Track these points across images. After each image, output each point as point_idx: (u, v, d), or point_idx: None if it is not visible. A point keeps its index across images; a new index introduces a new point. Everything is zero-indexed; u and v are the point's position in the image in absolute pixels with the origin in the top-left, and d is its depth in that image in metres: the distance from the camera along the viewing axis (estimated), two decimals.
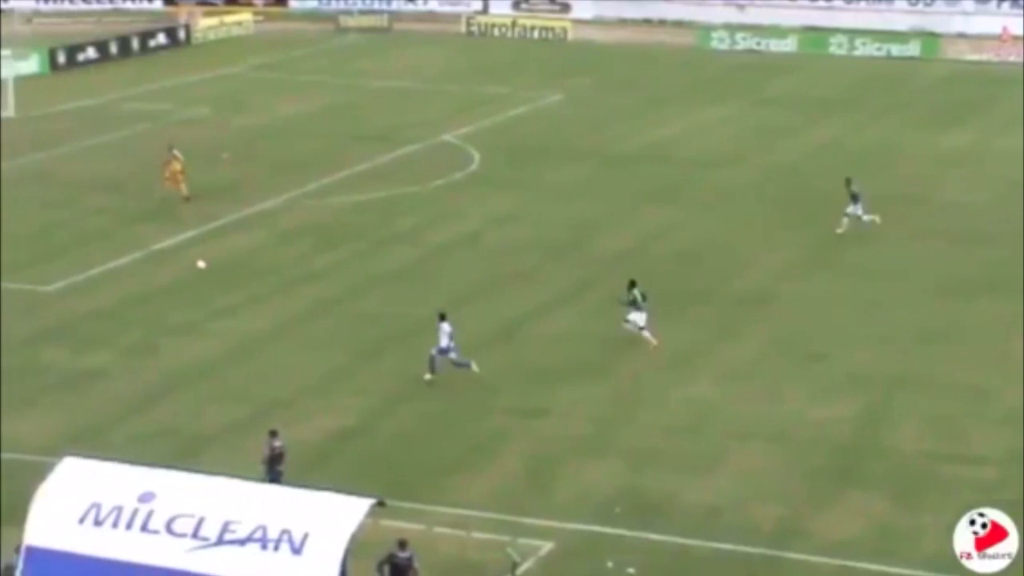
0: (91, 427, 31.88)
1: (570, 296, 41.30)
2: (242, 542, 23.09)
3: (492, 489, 29.63)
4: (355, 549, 22.95)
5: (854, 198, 46.19)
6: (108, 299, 40.25)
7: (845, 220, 46.30)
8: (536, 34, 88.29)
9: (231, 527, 23.19)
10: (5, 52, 67.10)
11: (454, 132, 61.16)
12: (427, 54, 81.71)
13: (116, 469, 24.60)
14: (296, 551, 22.93)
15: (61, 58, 75.16)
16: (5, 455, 30.18)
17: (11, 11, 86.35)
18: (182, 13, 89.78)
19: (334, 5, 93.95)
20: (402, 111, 65.77)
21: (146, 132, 59.72)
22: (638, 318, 36.81)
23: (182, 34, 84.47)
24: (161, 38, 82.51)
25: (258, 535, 23.08)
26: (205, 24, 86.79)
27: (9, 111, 61.88)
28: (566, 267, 43.91)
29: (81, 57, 76.30)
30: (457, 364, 35.00)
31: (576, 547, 27.31)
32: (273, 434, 28.75)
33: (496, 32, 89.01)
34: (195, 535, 23.16)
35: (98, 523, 23.35)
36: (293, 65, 77.96)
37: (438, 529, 27.11)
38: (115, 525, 23.32)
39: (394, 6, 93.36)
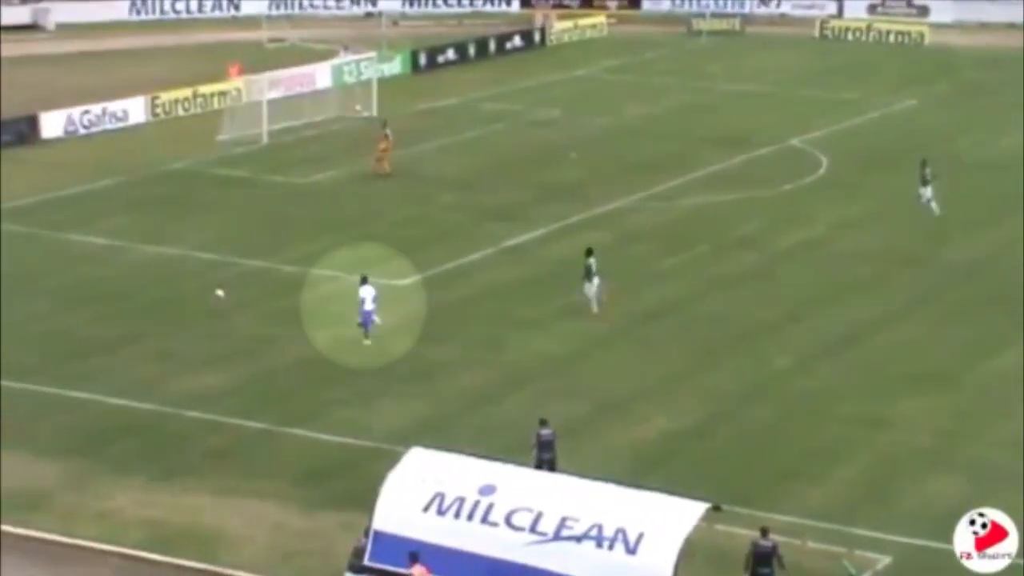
0: (437, 418, 32.92)
1: (917, 305, 40.39)
2: (578, 539, 23.49)
3: (829, 498, 29.27)
4: (688, 552, 23.05)
5: (924, 181, 47.90)
6: (459, 294, 41.43)
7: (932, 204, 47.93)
8: (892, 38, 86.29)
9: (568, 523, 23.62)
10: (371, 55, 69.83)
11: (803, 136, 60.46)
12: (779, 58, 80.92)
13: (460, 460, 25.38)
14: (631, 551, 23.20)
15: (422, 60, 77.59)
16: (357, 442, 31.52)
17: (379, 14, 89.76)
18: (538, 16, 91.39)
19: (686, 8, 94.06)
20: (751, 115, 65.40)
21: (500, 132, 61.10)
22: (588, 288, 38.66)
23: (537, 36, 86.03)
24: (517, 40, 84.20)
25: (594, 533, 23.45)
26: (560, 27, 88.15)
27: (372, 111, 64.34)
28: (914, 275, 42.93)
29: (441, 59, 78.55)
30: (367, 322, 36.79)
31: (915, 563, 26.74)
32: (543, 423, 29.21)
33: (850, 36, 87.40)
34: (533, 529, 23.68)
35: (441, 512, 24.14)
36: (644, 67, 78.42)
37: (773, 537, 26.91)
38: (457, 515, 24.06)
39: (747, 9, 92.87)
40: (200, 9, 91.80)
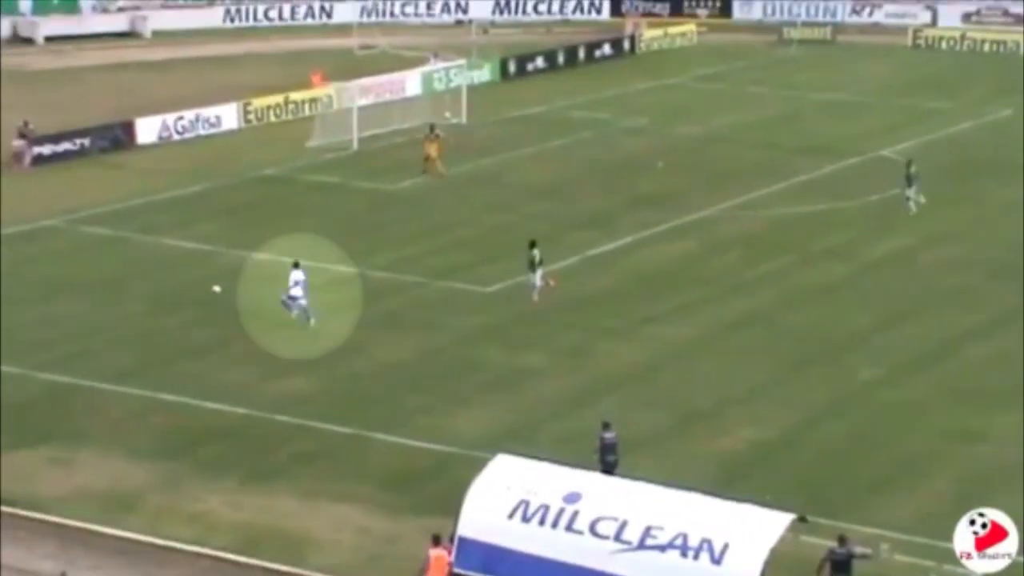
0: (522, 425, 33.04)
1: (1010, 317, 39.91)
2: (663, 548, 23.49)
3: (918, 512, 29.04)
4: (773, 563, 22.99)
5: (909, 180, 49.13)
6: (545, 301, 41.52)
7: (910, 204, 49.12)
8: (986, 47, 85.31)
9: (652, 532, 23.62)
10: (461, 62, 70.14)
11: (893, 147, 59.96)
12: (870, 67, 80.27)
13: (544, 468, 25.45)
14: (716, 561, 23.17)
15: (511, 67, 77.82)
16: (443, 448, 31.71)
17: (469, 21, 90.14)
18: (628, 24, 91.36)
19: (777, 17, 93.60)
20: (842, 124, 64.96)
21: (588, 140, 61.19)
22: (534, 278, 40.78)
23: (627, 44, 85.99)
24: (607, 48, 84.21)
25: (679, 542, 23.44)
26: (650, 35, 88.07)
27: (462, 118, 64.65)
28: (1008, 287, 42.43)
29: (530, 66, 78.73)
30: (287, 305, 38.25)
31: None
32: (605, 426, 29.30)
33: (943, 45, 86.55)
34: (618, 538, 23.71)
35: (526, 519, 24.23)
36: (734, 76, 78.14)
37: (854, 546, 26.75)
38: (542, 523, 24.15)
39: (839, 18, 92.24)
40: (293, 16, 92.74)
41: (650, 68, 79.84)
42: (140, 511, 28.90)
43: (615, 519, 23.90)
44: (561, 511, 24.12)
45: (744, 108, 69.00)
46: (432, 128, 56.61)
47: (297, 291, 38.75)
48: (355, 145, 59.50)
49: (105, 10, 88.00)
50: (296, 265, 39.18)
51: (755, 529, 23.52)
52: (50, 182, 53.75)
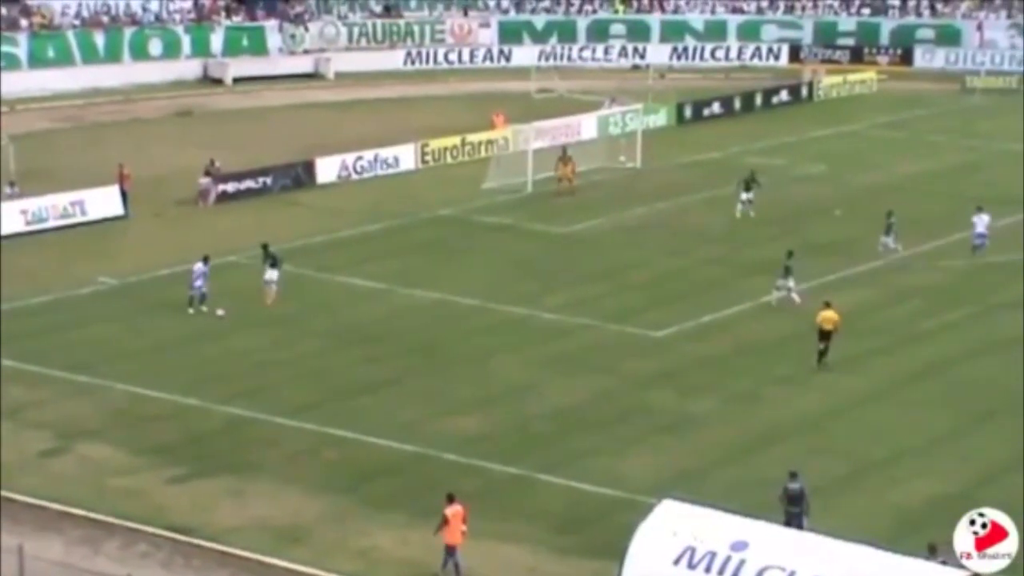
0: (691, 471, 32.80)
1: None
2: None
3: None
4: None
5: (887, 229, 50.66)
6: (717, 347, 41.27)
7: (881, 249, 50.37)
8: None
9: None
10: (637, 107, 70.28)
11: None
12: None
13: (712, 515, 25.18)
14: None
15: (687, 112, 77.72)
16: (610, 491, 31.62)
17: (646, 66, 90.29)
18: (807, 71, 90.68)
19: (960, 65, 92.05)
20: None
21: (764, 186, 60.72)
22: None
23: (805, 91, 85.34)
24: (784, 95, 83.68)
25: None
26: (828, 82, 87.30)
27: (637, 162, 64.68)
28: None
29: (706, 112, 78.56)
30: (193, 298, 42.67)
31: None
32: (792, 476, 28.87)
33: None
34: None
35: (691, 567, 23.96)
36: (915, 124, 77.01)
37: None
38: (707, 570, 23.84)
39: None
40: (472, 59, 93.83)
41: (828, 115, 79.11)
42: (309, 544, 29.28)
43: (783, 569, 23.50)
44: (728, 559, 23.81)
45: (924, 157, 67.97)
46: (564, 150, 59.35)
47: (200, 283, 43.38)
48: (530, 187, 59.88)
49: (292, 52, 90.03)
50: (206, 260, 43.72)
51: None
52: (233, 219, 55.03)
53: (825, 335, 39.72)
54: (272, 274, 44.29)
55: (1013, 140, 71.52)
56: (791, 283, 44.66)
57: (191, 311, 43.22)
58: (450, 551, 27.78)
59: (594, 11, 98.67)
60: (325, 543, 29.32)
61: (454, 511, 27.72)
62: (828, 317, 39.94)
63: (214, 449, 33.90)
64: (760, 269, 48.78)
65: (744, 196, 56.41)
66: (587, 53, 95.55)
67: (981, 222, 51.30)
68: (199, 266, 43.66)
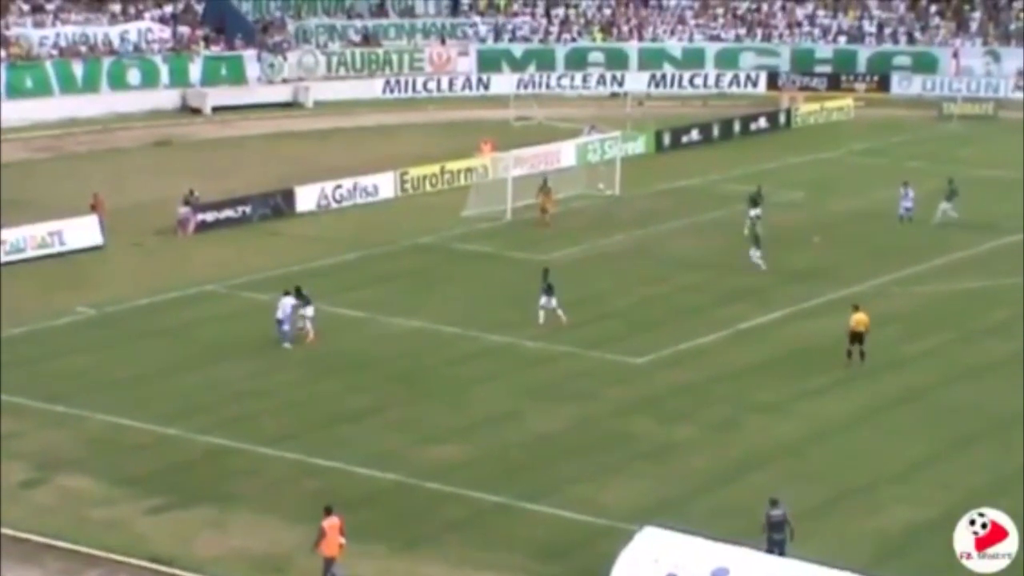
0: (672, 498, 32.81)
1: None
2: None
3: None
4: None
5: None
6: (696, 374, 41.34)
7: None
8: None
9: None
10: (615, 134, 70.51)
11: None
12: None
13: (693, 542, 25.27)
14: None
15: (666, 139, 77.98)
16: (591, 519, 31.62)
17: (625, 94, 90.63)
18: (784, 98, 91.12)
19: (937, 92, 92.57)
20: (1001, 201, 63.82)
21: (740, 213, 60.90)
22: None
23: (783, 118, 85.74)
24: (762, 122, 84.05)
25: None
26: (806, 109, 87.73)
27: (615, 189, 64.89)
28: None
29: (684, 139, 78.85)
30: (282, 333, 42.35)
31: None
32: (773, 503, 28.85)
33: None
34: None
35: None
36: (892, 151, 77.38)
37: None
38: None
39: (1001, 93, 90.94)
40: (451, 88, 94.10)
41: (806, 142, 79.46)
42: (289, 574, 29.21)
43: None
44: None
45: (902, 183, 68.08)
46: (545, 181, 59.87)
47: (282, 315, 42.76)
48: (509, 215, 59.99)
49: (271, 81, 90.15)
50: (287, 293, 43.23)
51: None
52: (212, 248, 55.02)
53: (857, 337, 41.23)
54: (308, 310, 43.55)
55: (990, 166, 71.92)
56: (553, 302, 44.77)
57: (287, 346, 43.03)
58: (328, 563, 28.00)
59: (572, 39, 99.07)
60: (305, 573, 29.19)
61: (331, 523, 28.07)
62: (860, 319, 41.39)
63: (194, 479, 33.81)
64: (738, 296, 48.96)
65: (752, 212, 56.82)
66: (566, 81, 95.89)
67: (908, 196, 59.07)
68: (288, 300, 43.20)
